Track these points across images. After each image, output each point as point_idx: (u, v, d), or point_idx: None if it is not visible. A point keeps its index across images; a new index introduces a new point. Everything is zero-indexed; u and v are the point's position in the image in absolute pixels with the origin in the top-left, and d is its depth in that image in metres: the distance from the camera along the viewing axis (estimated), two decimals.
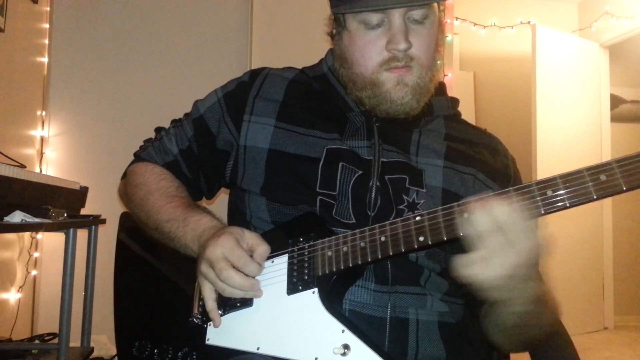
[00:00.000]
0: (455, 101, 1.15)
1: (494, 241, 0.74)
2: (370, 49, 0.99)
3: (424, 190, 0.98)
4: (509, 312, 0.86)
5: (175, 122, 1.19)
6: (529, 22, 4.29)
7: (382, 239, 0.84)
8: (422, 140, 1.04)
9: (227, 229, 0.94)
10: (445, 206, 0.80)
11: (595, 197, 0.72)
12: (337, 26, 1.06)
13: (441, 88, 1.12)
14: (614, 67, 4.48)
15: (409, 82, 0.99)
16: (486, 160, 1.06)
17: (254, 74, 1.14)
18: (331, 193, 0.98)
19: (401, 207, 0.96)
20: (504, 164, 1.09)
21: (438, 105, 1.10)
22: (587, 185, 0.72)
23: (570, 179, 0.73)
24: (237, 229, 0.94)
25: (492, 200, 0.75)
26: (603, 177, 0.72)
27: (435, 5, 1.00)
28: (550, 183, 0.74)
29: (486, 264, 0.75)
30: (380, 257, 0.84)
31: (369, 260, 0.85)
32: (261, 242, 0.93)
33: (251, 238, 0.93)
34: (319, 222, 0.96)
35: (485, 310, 0.95)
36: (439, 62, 1.03)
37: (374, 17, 0.97)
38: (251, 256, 0.92)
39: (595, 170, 0.72)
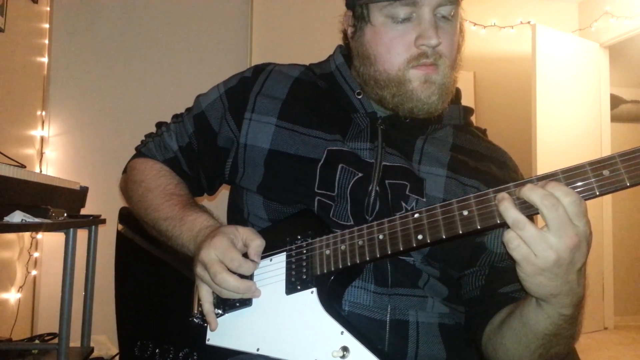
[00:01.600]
0: (468, 111, 1.11)
1: (554, 217, 0.68)
2: (398, 45, 0.96)
3: (424, 200, 0.95)
4: (551, 315, 0.78)
5: (176, 118, 1.18)
6: (529, 22, 4.28)
7: (380, 237, 0.83)
8: (426, 148, 1.01)
9: (220, 229, 0.93)
10: (444, 203, 0.78)
11: (597, 193, 0.70)
12: (359, 21, 1.01)
13: (457, 95, 1.09)
14: (614, 67, 4.48)
15: (436, 80, 0.96)
16: (493, 174, 1.03)
17: (258, 70, 1.12)
18: (329, 194, 0.97)
19: (398, 214, 0.93)
20: (512, 179, 1.03)
21: (448, 113, 1.06)
22: (589, 181, 0.70)
23: (572, 174, 0.71)
24: (231, 228, 0.93)
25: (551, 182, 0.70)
26: (606, 173, 0.69)
27: (460, 3, 0.98)
28: (551, 179, 0.72)
29: (542, 242, 0.69)
30: (378, 255, 0.83)
31: (367, 259, 0.84)
32: (255, 236, 0.92)
33: (245, 233, 0.92)
34: (316, 220, 0.95)
35: (507, 324, 0.88)
36: (459, 62, 1.01)
37: (402, 11, 0.94)
38: (246, 253, 0.91)
39: (598, 165, 0.70)
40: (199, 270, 0.91)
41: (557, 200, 0.68)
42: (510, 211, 0.71)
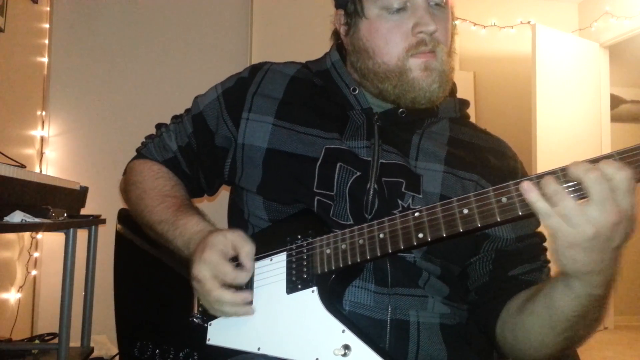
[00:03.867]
0: (463, 103, 1.11)
1: (598, 190, 0.67)
2: (395, 35, 0.96)
3: (420, 196, 0.95)
4: (580, 295, 0.77)
5: (175, 118, 1.18)
6: (529, 22, 4.29)
7: (381, 236, 0.83)
8: (422, 144, 1.01)
9: (209, 239, 0.91)
10: (445, 202, 0.79)
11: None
12: (352, 17, 1.02)
13: (452, 88, 1.08)
14: (614, 67, 4.48)
15: (436, 67, 0.96)
16: (492, 166, 1.03)
17: (254, 69, 1.12)
18: (329, 193, 0.97)
19: (395, 212, 0.93)
20: (512, 167, 1.05)
21: (444, 106, 1.06)
22: None
23: (566, 172, 0.71)
24: (219, 237, 0.91)
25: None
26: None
27: None
28: (557, 175, 0.71)
29: (579, 216, 0.68)
30: (379, 254, 0.83)
31: (368, 257, 0.84)
32: (244, 242, 0.91)
33: (235, 240, 0.91)
34: (316, 219, 0.95)
35: (528, 308, 0.87)
36: (454, 49, 1.01)
37: (396, 1, 0.95)
38: (238, 261, 0.90)
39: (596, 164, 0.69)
40: (195, 284, 0.91)
41: (603, 174, 0.67)
42: (551, 184, 0.70)
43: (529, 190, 0.71)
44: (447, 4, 0.98)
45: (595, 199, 0.68)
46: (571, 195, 0.70)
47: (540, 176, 0.72)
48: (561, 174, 0.71)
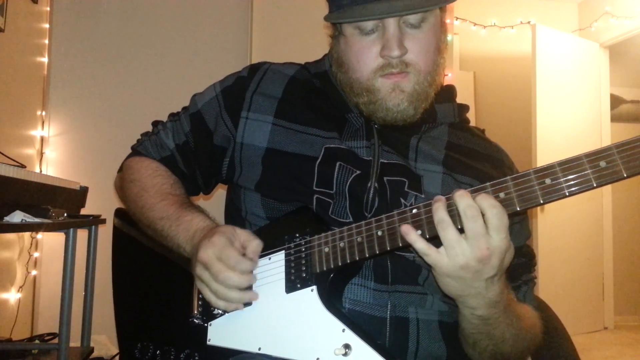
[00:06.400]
0: (463, 108, 1.11)
1: (471, 227, 0.74)
2: (365, 55, 0.97)
3: (422, 196, 0.96)
4: (465, 315, 0.85)
5: (172, 116, 1.18)
6: (529, 22, 4.29)
7: (379, 233, 0.83)
8: (420, 146, 1.02)
9: (218, 228, 0.93)
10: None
11: (595, 185, 0.71)
12: (334, 30, 1.04)
13: (450, 93, 1.09)
14: (614, 67, 4.48)
15: (406, 88, 0.96)
16: (487, 172, 1.03)
17: (253, 69, 1.13)
18: (328, 191, 0.97)
19: (397, 210, 0.94)
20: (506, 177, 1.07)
21: (443, 112, 1.07)
22: (586, 172, 0.71)
23: (569, 166, 0.72)
24: (229, 228, 0.93)
25: (482, 192, 0.76)
26: (603, 164, 0.70)
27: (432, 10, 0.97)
28: (549, 171, 0.72)
29: (456, 248, 0.75)
30: (378, 252, 0.84)
31: (367, 255, 0.85)
32: (253, 237, 0.92)
33: (243, 235, 0.92)
34: (315, 217, 0.95)
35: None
36: (440, 65, 1.00)
37: (369, 23, 0.95)
38: (244, 254, 0.91)
39: (594, 157, 0.70)
40: (199, 270, 0.90)
41: (479, 212, 0.74)
42: (439, 211, 0.76)
43: (407, 232, 0.78)
44: (425, 21, 0.96)
45: (469, 235, 0.74)
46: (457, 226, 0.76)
47: (435, 201, 0.78)
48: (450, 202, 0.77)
